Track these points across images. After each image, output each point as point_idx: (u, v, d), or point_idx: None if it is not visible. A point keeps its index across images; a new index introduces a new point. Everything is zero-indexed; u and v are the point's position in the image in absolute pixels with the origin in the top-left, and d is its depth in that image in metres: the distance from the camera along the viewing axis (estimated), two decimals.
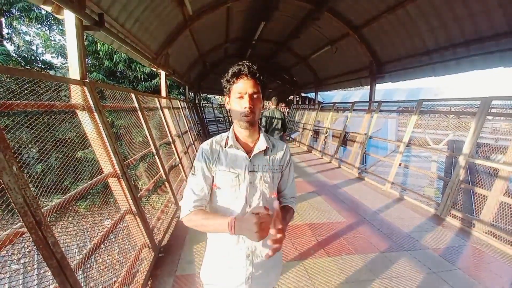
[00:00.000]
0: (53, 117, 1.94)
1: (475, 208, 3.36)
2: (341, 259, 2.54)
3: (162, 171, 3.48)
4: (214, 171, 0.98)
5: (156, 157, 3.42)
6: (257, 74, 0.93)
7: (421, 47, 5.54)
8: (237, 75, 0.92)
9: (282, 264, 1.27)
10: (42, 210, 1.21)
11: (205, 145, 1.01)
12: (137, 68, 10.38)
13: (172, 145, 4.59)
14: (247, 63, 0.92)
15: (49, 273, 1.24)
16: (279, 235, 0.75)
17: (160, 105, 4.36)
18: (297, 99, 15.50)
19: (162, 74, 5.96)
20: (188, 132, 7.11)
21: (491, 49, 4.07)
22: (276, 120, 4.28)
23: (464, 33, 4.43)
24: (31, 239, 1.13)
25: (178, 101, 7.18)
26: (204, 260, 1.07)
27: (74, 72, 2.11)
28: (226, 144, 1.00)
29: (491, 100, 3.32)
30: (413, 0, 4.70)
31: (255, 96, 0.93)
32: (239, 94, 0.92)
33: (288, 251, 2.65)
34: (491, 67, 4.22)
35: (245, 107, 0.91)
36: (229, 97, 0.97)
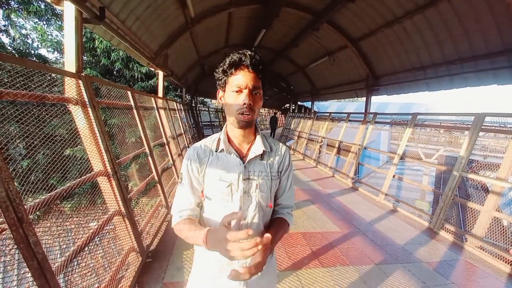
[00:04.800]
0: (43, 109, 1.85)
1: (465, 222, 3.37)
2: (335, 270, 2.48)
3: (154, 173, 3.38)
4: (203, 180, 0.86)
5: (149, 157, 3.33)
6: (260, 67, 0.78)
7: (416, 62, 5.69)
8: (237, 66, 0.77)
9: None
10: (25, 206, 1.12)
11: (192, 150, 0.87)
12: (135, 67, 10.27)
13: (166, 146, 4.49)
14: (249, 53, 0.77)
15: (29, 274, 1.15)
16: (257, 260, 0.66)
17: (156, 105, 4.28)
18: (293, 107, 15.63)
19: (160, 74, 5.90)
20: (183, 135, 7.01)
21: (485, 66, 4.17)
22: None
23: (458, 51, 4.56)
24: (12, 237, 1.04)
25: (174, 103, 7.10)
26: (191, 277, 0.95)
27: (70, 65, 2.04)
28: (217, 148, 0.86)
29: (484, 116, 3.39)
30: (410, 17, 4.85)
31: (255, 92, 0.79)
32: (237, 88, 0.77)
33: (282, 260, 2.58)
34: (485, 84, 4.33)
35: (244, 103, 0.76)
36: (224, 90, 0.82)
